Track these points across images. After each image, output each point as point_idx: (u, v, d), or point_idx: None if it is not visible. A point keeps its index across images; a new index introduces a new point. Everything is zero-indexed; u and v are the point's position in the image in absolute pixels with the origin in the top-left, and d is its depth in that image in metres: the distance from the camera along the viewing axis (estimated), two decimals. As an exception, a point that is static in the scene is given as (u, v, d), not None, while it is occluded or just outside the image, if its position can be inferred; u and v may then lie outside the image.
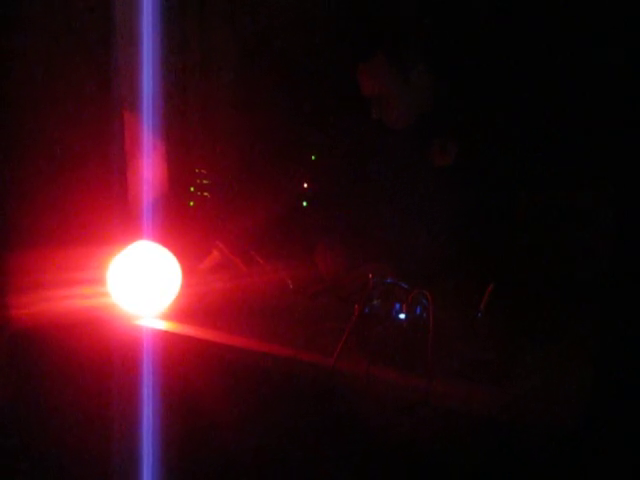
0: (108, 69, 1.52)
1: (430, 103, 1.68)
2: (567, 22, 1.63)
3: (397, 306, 1.17)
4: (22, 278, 1.55)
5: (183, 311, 1.46)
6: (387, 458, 1.15)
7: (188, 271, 1.53)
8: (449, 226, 1.57)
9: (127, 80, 1.57)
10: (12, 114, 1.58)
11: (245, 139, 1.99)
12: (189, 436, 1.39)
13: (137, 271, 1.42)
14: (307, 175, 1.83)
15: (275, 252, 1.70)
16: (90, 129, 1.55)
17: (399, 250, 1.59)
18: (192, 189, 1.89)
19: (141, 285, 1.41)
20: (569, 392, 1.03)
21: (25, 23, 1.52)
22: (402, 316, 1.16)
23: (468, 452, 1.04)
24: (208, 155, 1.98)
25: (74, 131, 1.56)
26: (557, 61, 1.65)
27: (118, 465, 1.47)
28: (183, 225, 1.74)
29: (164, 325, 1.41)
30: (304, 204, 1.85)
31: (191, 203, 1.88)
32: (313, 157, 1.88)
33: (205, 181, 1.90)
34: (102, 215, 1.55)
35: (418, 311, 1.16)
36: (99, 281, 1.44)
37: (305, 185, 1.84)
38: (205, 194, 1.89)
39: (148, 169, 1.66)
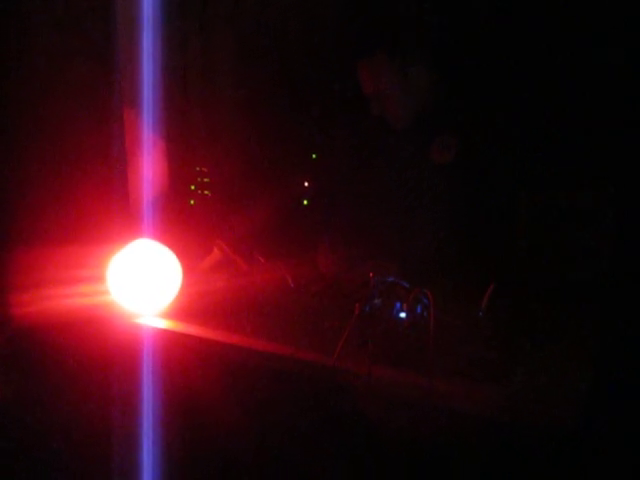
0: (109, 69, 1.53)
1: (430, 102, 1.68)
2: (567, 22, 1.63)
3: (398, 305, 1.17)
4: (22, 276, 1.55)
5: (183, 310, 1.46)
6: (387, 457, 1.15)
7: (189, 269, 1.53)
8: (450, 225, 1.57)
9: (128, 79, 1.57)
10: (12, 114, 1.58)
11: (246, 138, 1.99)
12: (189, 434, 1.39)
13: (137, 269, 1.42)
14: (308, 174, 1.84)
15: (276, 250, 1.70)
16: (91, 128, 1.56)
17: (400, 249, 1.59)
18: (193, 187, 1.89)
19: (141, 283, 1.41)
20: (569, 392, 1.03)
21: (26, 23, 1.52)
22: (403, 315, 1.16)
23: (469, 451, 1.04)
24: (209, 154, 1.98)
25: (75, 130, 1.57)
26: (557, 61, 1.66)
27: (118, 464, 1.47)
28: (184, 223, 1.75)
29: (164, 323, 1.41)
30: (305, 202, 1.86)
31: (192, 201, 1.88)
32: (314, 156, 1.88)
33: (206, 179, 1.90)
34: (103, 213, 1.55)
35: (419, 310, 1.16)
36: (99, 279, 1.44)
37: (306, 184, 1.84)
38: (206, 192, 1.89)
39: (149, 167, 1.67)
